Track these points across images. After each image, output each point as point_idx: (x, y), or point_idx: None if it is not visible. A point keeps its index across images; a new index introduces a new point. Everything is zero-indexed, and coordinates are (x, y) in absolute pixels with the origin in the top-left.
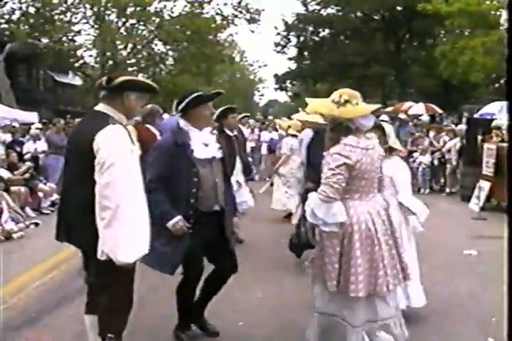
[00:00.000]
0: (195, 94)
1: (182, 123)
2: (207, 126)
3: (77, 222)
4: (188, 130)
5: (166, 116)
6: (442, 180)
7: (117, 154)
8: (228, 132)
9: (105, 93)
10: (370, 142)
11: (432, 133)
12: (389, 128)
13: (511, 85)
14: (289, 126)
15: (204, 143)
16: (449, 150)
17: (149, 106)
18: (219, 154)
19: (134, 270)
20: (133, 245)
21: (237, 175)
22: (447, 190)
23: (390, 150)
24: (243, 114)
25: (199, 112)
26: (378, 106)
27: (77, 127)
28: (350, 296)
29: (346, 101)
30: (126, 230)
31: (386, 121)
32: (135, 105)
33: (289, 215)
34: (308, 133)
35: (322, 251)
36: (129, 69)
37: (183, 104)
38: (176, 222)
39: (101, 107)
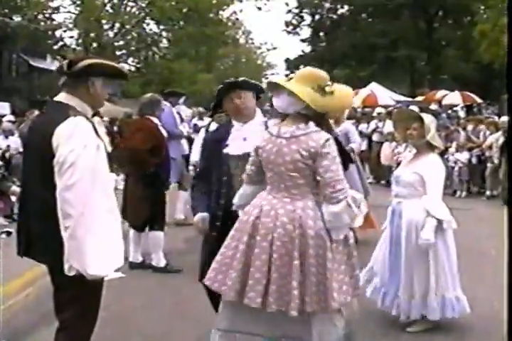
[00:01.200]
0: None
1: None
2: (240, 118)
3: (38, 232)
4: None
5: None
6: (482, 182)
7: (79, 151)
8: None
9: (66, 80)
10: (291, 130)
11: (470, 127)
12: (429, 120)
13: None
14: None
15: (244, 138)
16: (489, 147)
17: (148, 95)
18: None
19: (102, 285)
20: (104, 256)
21: None
22: (488, 193)
23: (428, 146)
24: None
25: (225, 102)
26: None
27: (35, 121)
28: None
29: (290, 79)
30: (93, 239)
31: (428, 112)
32: (102, 93)
33: None
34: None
35: None
36: (117, 52)
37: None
38: (197, 220)
39: (62, 97)
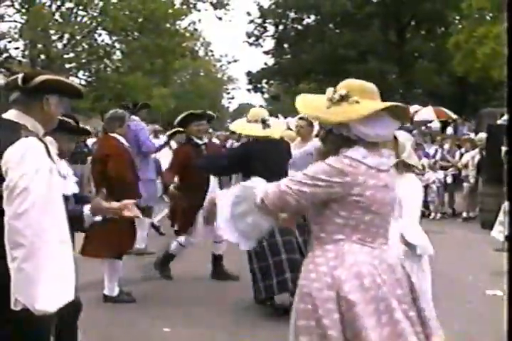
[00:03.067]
0: None
1: None
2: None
3: None
4: None
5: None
6: (457, 202)
7: (31, 176)
8: (197, 140)
9: (19, 96)
10: (387, 161)
11: (447, 145)
12: (404, 138)
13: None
14: None
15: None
16: (465, 165)
17: (112, 110)
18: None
19: (51, 323)
20: (54, 290)
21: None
22: (464, 215)
23: (403, 166)
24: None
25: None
26: (389, 103)
27: None
28: None
29: (342, 99)
30: (43, 272)
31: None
32: (55, 111)
33: None
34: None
35: None
36: (66, 65)
37: None
38: None
39: (12, 115)
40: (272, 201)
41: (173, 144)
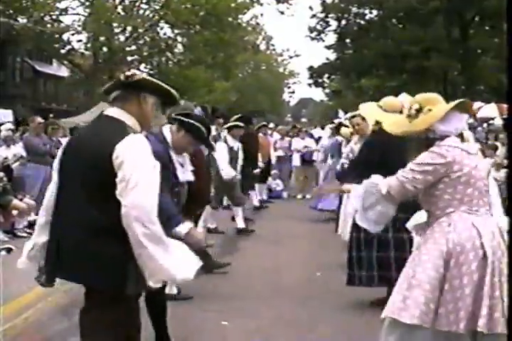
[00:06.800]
0: None
1: None
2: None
3: (81, 251)
4: None
5: None
6: None
7: (144, 170)
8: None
9: (119, 92)
10: (474, 146)
11: None
12: (467, 134)
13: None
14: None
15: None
16: None
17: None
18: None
19: (138, 308)
20: (186, 260)
21: None
22: None
23: None
24: (261, 124)
25: None
26: (455, 102)
27: (81, 137)
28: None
29: (418, 111)
30: (173, 249)
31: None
32: (151, 112)
33: None
34: None
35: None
36: (128, 58)
37: None
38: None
39: (113, 112)
40: (396, 191)
41: (229, 138)
